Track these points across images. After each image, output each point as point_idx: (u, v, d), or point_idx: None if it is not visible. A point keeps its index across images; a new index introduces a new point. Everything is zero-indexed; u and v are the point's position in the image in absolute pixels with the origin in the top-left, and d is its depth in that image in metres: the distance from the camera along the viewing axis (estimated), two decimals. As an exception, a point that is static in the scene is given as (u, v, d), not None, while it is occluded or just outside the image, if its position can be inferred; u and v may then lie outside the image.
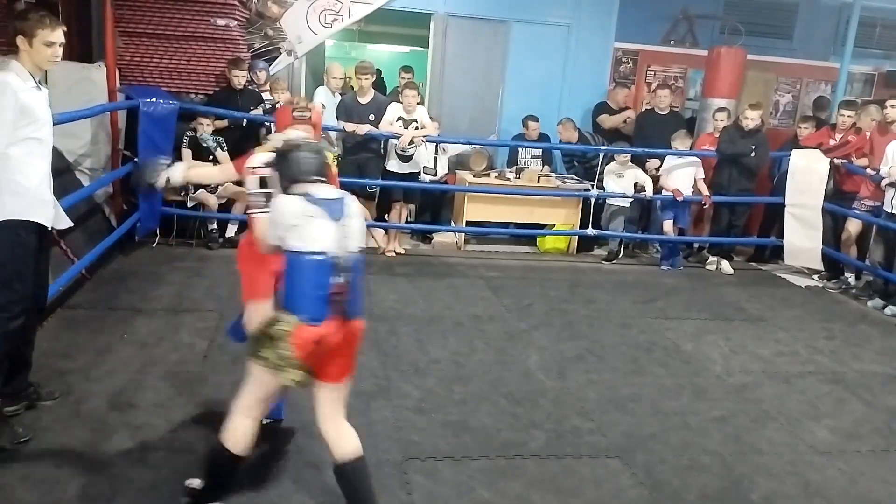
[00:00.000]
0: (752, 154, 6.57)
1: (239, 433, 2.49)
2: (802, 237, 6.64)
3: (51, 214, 3.13)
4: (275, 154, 2.57)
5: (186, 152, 5.93)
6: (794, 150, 6.71)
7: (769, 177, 7.33)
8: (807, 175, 6.51)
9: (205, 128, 5.95)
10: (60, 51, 3.06)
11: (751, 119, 6.50)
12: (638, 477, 3.17)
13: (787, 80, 8.40)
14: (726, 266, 6.93)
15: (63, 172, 5.18)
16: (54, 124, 4.09)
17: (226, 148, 6.03)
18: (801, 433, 3.71)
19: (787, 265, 6.95)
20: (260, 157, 2.83)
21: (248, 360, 2.46)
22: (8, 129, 2.88)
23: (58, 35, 3.03)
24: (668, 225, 6.84)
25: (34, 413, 3.22)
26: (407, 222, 6.91)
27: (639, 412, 3.78)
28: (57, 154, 4.81)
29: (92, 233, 5.30)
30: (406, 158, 6.38)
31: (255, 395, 2.49)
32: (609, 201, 6.95)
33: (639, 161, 7.01)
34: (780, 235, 6.83)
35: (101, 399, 3.41)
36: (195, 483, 2.63)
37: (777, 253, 7.04)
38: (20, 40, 2.97)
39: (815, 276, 6.82)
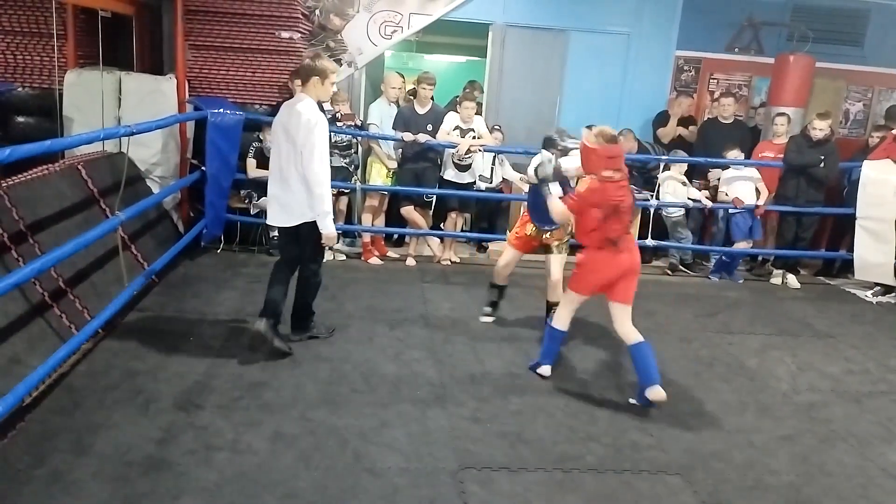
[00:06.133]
0: (822, 165, 6.35)
1: None
2: (874, 251, 6.36)
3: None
4: None
5: (251, 161, 6.10)
6: (865, 161, 6.45)
7: (839, 188, 7.07)
8: (879, 187, 6.25)
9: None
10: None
11: (819, 130, 6.29)
12: (700, 496, 3.09)
13: (857, 87, 8.11)
14: (792, 280, 6.71)
15: (136, 180, 5.41)
16: (128, 135, 4.33)
17: (288, 157, 6.16)
18: (873, 455, 3.55)
19: (857, 280, 6.68)
20: None
21: None
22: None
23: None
24: (743, 244, 6.68)
25: (104, 412, 3.36)
26: (462, 231, 6.93)
27: (700, 428, 3.69)
28: (130, 163, 5.06)
29: (161, 239, 5.50)
30: (464, 168, 6.41)
31: None
32: (665, 212, 6.82)
33: (702, 171, 6.85)
34: (850, 249, 6.57)
35: (168, 399, 3.53)
36: None
37: (846, 267, 6.78)
38: (315, 80, 3.99)
39: (870, 292, 6.57)
